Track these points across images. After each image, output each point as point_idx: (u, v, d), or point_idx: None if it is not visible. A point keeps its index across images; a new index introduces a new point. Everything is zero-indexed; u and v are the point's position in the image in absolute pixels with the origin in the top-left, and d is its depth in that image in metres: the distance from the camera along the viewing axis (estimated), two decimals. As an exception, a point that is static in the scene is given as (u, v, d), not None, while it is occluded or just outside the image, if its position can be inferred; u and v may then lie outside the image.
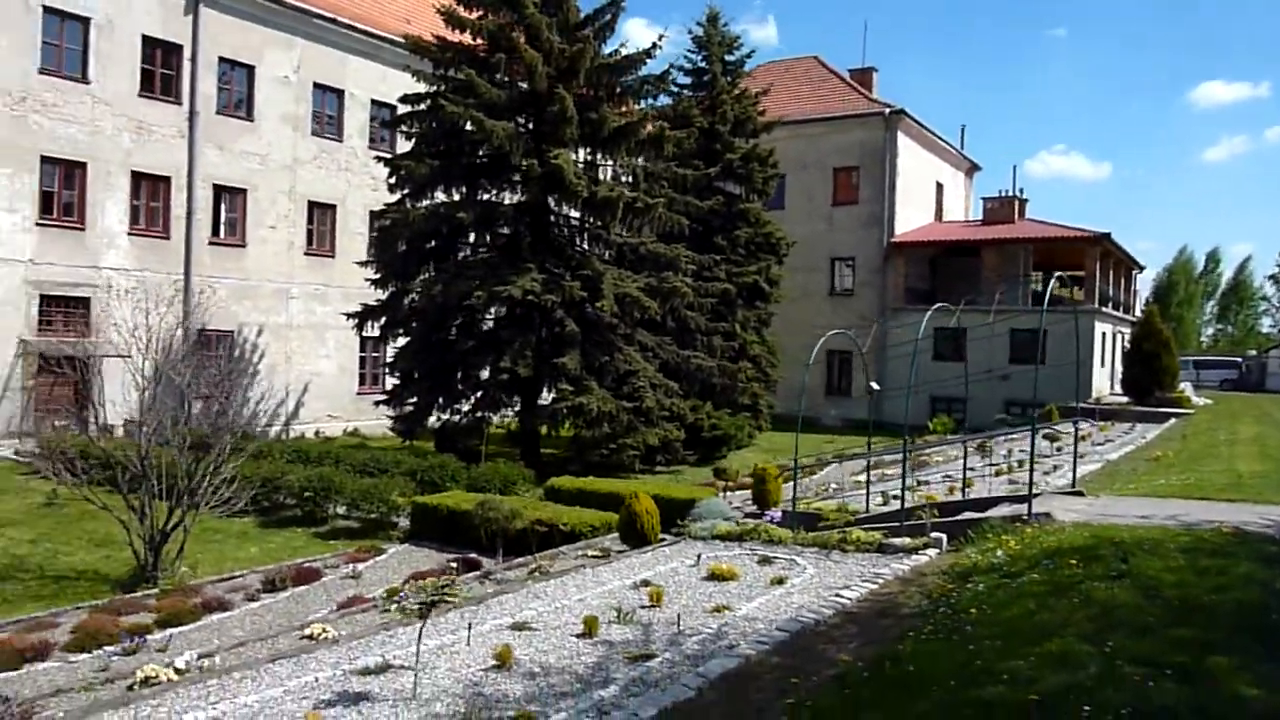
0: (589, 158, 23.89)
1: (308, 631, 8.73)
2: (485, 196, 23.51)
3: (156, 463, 12.65)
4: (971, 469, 16.75)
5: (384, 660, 7.38)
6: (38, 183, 21.26)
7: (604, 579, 10.33)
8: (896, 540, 11.28)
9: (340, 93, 27.74)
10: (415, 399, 23.00)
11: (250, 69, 25.38)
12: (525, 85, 22.75)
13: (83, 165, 22.01)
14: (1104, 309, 34.91)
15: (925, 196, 39.79)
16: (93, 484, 12.85)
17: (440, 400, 22.77)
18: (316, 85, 27.02)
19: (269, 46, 25.74)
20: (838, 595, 9.20)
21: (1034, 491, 12.22)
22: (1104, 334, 35.23)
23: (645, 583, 9.89)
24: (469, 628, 8.15)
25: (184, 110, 23.85)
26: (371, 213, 27.45)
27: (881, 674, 6.69)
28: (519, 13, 22.48)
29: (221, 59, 24.66)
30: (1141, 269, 47.00)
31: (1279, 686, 5.55)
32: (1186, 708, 5.29)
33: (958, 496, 14.67)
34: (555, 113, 21.71)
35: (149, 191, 23.46)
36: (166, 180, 23.67)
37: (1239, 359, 54.45)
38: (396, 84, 25.74)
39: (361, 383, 28.47)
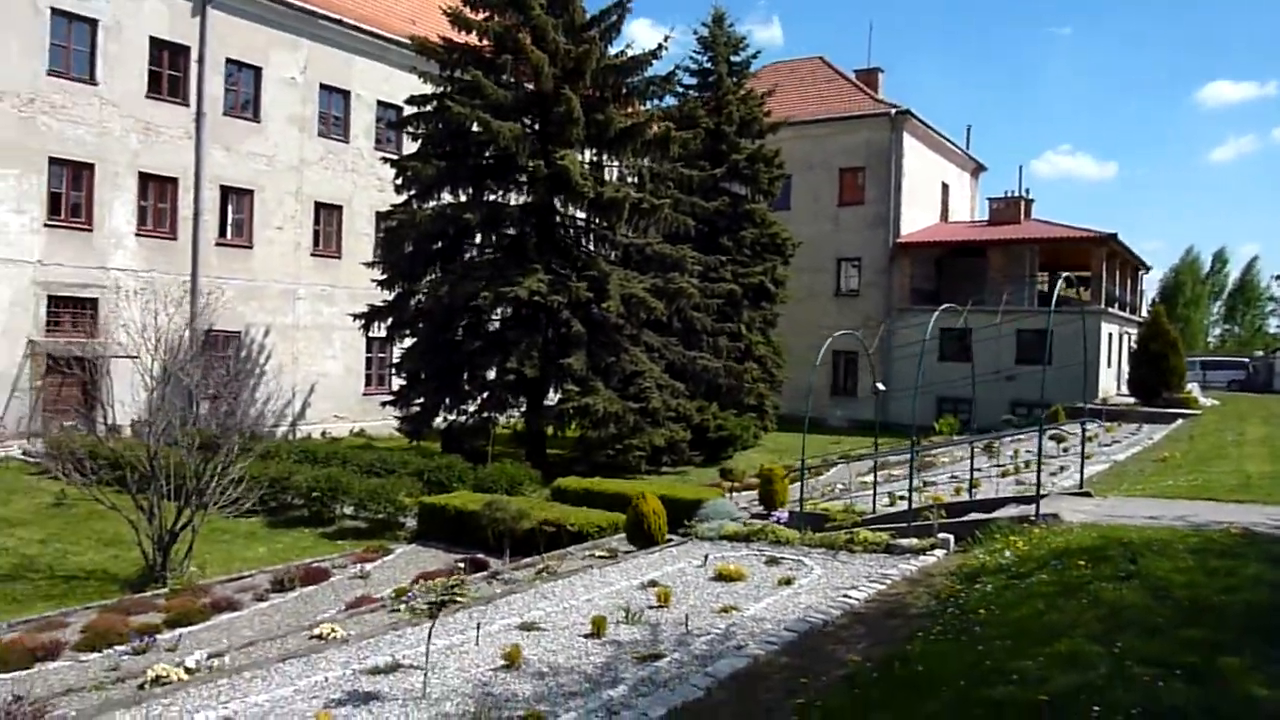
0: (595, 158, 23.93)
1: (317, 631, 8.76)
2: (491, 197, 23.53)
3: (165, 463, 12.72)
4: (978, 470, 16.74)
5: (393, 660, 7.40)
6: (46, 184, 21.33)
7: (611, 579, 10.35)
8: (904, 541, 11.28)
9: (346, 94, 27.79)
10: (422, 399, 23.03)
11: (257, 70, 25.45)
12: (531, 86, 22.80)
13: (90, 166, 22.08)
14: (1110, 309, 34.83)
15: (931, 197, 39.74)
16: (101, 484, 12.93)
17: (447, 401, 22.82)
18: (323, 86, 27.08)
19: (275, 48, 25.81)
20: (845, 596, 9.21)
21: (1042, 492, 12.20)
22: (1110, 334, 35.15)
23: (653, 583, 9.90)
24: (478, 628, 8.16)
25: (191, 111, 23.92)
26: (378, 214, 27.54)
27: (891, 674, 6.70)
28: (525, 14, 22.52)
29: (228, 60, 24.72)
30: (1148, 269, 46.88)
31: (1290, 687, 5.54)
32: (1197, 708, 5.29)
33: (964, 497, 14.66)
34: (561, 114, 21.74)
35: (156, 192, 23.53)
36: (174, 181, 23.74)
37: (1246, 359, 54.25)
38: (402, 85, 25.79)
39: (368, 383, 28.53)
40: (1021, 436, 21.28)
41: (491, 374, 22.34)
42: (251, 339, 25.26)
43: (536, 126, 22.98)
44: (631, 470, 21.78)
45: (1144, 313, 41.07)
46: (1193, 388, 33.65)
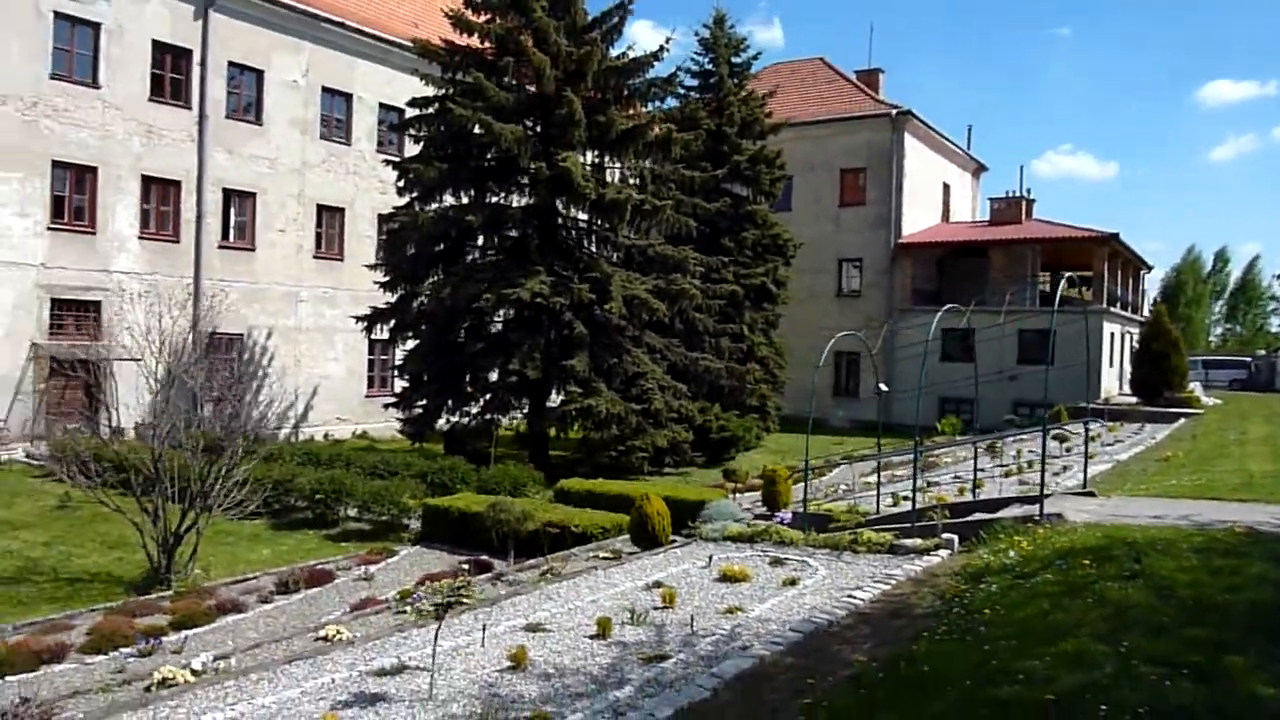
0: (597, 160, 23.93)
1: (322, 633, 8.77)
2: (493, 199, 23.54)
3: (169, 465, 12.73)
4: (981, 470, 16.75)
5: (399, 661, 7.42)
6: (49, 187, 21.36)
7: (616, 580, 10.36)
8: (908, 541, 11.28)
9: (349, 96, 27.83)
10: (424, 401, 23.05)
11: (259, 73, 25.49)
12: (533, 88, 22.82)
13: (93, 169, 22.11)
14: (1112, 309, 34.83)
15: (932, 197, 39.75)
16: (105, 486, 12.93)
17: (449, 403, 22.83)
18: (325, 89, 27.12)
19: (278, 51, 25.84)
20: (850, 596, 9.21)
21: (1045, 492, 12.20)
22: (1112, 334, 35.14)
23: (657, 584, 9.91)
24: (483, 629, 8.18)
25: (194, 114, 23.96)
26: (380, 216, 27.57)
27: (896, 674, 6.71)
28: (527, 16, 22.54)
29: (231, 63, 24.76)
30: (1149, 269, 46.88)
31: (1296, 686, 5.55)
32: (1203, 707, 5.30)
33: (968, 497, 14.66)
34: (563, 115, 21.77)
35: (159, 195, 23.56)
36: (176, 184, 23.77)
37: (1248, 359, 54.19)
38: (404, 88, 25.82)
39: (370, 385, 28.55)
40: (1024, 436, 21.29)
41: (494, 376, 22.35)
42: (254, 341, 25.30)
43: (538, 128, 23.00)
44: (634, 471, 21.79)
45: (1146, 312, 41.05)
46: (1195, 387, 33.62)
